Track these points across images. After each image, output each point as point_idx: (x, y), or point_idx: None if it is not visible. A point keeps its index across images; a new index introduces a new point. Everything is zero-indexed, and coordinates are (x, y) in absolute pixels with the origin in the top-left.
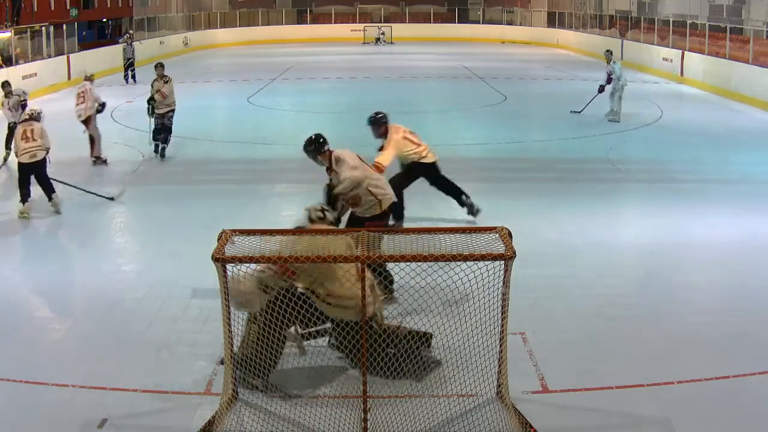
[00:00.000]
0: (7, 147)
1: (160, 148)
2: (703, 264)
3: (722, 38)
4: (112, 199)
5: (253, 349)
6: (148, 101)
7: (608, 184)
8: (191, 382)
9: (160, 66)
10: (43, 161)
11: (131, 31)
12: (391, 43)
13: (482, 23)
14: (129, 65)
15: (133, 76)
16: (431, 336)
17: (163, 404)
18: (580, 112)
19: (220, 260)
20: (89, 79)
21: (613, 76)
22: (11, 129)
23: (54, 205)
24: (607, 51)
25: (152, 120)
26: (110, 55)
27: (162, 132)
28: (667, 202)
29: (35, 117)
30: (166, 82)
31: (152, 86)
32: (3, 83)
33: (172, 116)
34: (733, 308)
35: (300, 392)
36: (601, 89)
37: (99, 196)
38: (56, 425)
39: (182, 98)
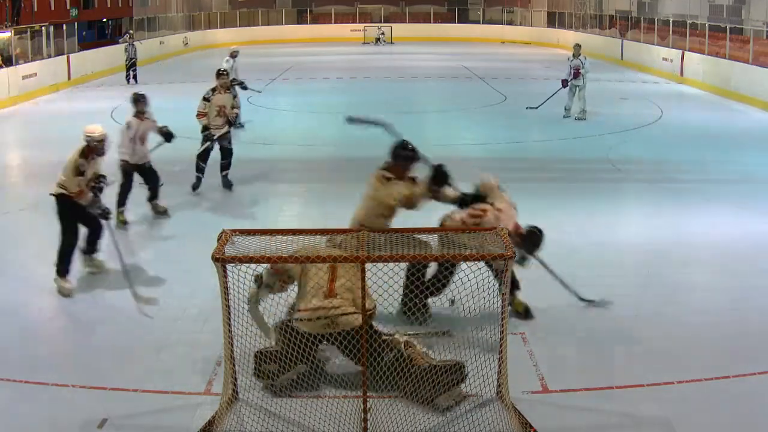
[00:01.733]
0: (121, 203)
1: (222, 174)
2: (703, 264)
3: (722, 38)
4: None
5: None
6: (231, 121)
7: (608, 184)
8: (191, 382)
9: (225, 74)
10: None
11: (131, 31)
12: (391, 43)
13: (482, 23)
14: (131, 65)
15: (135, 76)
16: (463, 367)
17: (163, 404)
18: (536, 108)
19: (220, 260)
20: (232, 55)
21: (582, 71)
22: (127, 174)
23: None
24: (576, 45)
25: (206, 145)
26: (110, 55)
27: (225, 157)
28: (667, 202)
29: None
30: (235, 96)
31: (208, 100)
32: (137, 97)
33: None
34: (733, 308)
35: (300, 392)
36: (565, 84)
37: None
38: (56, 425)
39: (182, 98)
